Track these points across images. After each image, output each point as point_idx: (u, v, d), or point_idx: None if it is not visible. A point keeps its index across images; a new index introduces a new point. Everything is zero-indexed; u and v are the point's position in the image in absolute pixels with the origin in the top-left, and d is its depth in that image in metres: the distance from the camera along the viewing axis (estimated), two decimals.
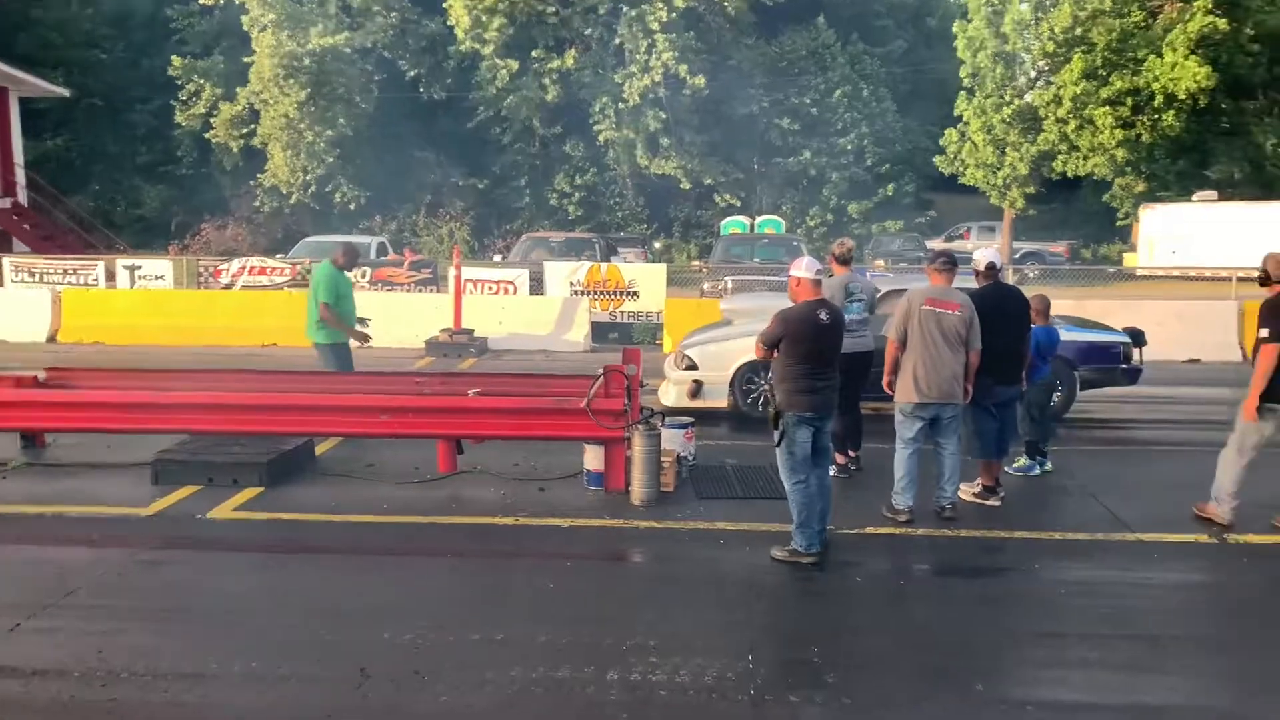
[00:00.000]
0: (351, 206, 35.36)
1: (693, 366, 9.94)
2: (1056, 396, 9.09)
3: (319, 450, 8.53)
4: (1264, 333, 6.44)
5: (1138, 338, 8.98)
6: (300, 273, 17.94)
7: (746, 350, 9.75)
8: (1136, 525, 6.86)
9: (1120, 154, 31.49)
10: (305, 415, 7.60)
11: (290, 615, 5.36)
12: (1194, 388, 12.41)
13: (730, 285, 16.77)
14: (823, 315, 6.05)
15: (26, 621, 5.22)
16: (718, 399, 9.84)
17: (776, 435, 6.08)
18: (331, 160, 34.00)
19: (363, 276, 17.24)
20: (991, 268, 7.37)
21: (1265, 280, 6.62)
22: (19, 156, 26.70)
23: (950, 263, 6.97)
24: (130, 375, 8.86)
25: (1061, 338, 8.58)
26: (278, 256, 20.72)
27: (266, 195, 35.04)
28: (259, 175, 34.71)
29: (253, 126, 34.58)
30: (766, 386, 9.66)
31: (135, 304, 16.91)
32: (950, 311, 6.73)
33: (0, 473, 7.91)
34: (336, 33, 33.38)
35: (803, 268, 6.15)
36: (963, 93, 33.89)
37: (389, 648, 4.97)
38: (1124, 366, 9.54)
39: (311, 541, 6.60)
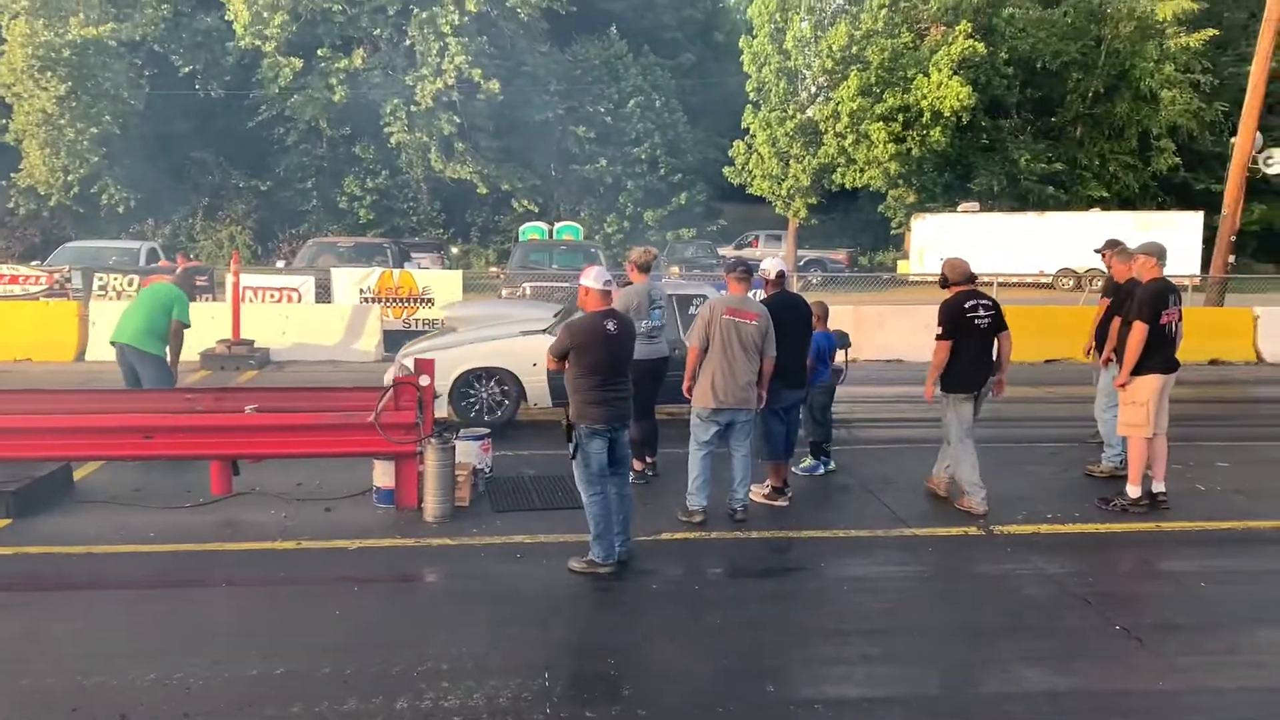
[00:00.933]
0: (120, 209, 32.95)
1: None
2: None
3: (77, 476, 7.83)
4: (938, 331, 7.31)
5: (843, 339, 9.43)
6: (58, 280, 16.49)
7: (466, 359, 9.81)
8: (912, 521, 7.23)
9: (893, 167, 33.50)
10: (60, 438, 6.93)
11: (40, 661, 4.85)
12: None
13: (529, 290, 16.66)
14: (610, 325, 6.04)
15: None
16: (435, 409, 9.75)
17: (571, 447, 6.03)
18: (97, 159, 31.58)
19: (130, 285, 16.02)
20: (780, 276, 7.61)
21: (945, 284, 7.48)
22: None
23: (748, 272, 7.15)
24: None
25: None
26: (33, 264, 19.01)
27: (22, 196, 32.17)
28: (13, 174, 31.80)
29: (4, 121, 31.66)
30: (485, 395, 9.70)
31: None
32: (749, 321, 6.89)
33: None
34: (100, 23, 31.02)
35: (591, 277, 6.13)
36: (749, 106, 35.14)
37: (156, 689, 4.59)
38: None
39: (67, 577, 6.01)
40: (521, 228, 30.56)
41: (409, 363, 9.66)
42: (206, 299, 16.07)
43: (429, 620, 5.50)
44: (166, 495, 7.44)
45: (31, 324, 14.84)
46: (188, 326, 9.11)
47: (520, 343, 9.92)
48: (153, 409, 7.44)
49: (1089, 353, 9.26)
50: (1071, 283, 31.08)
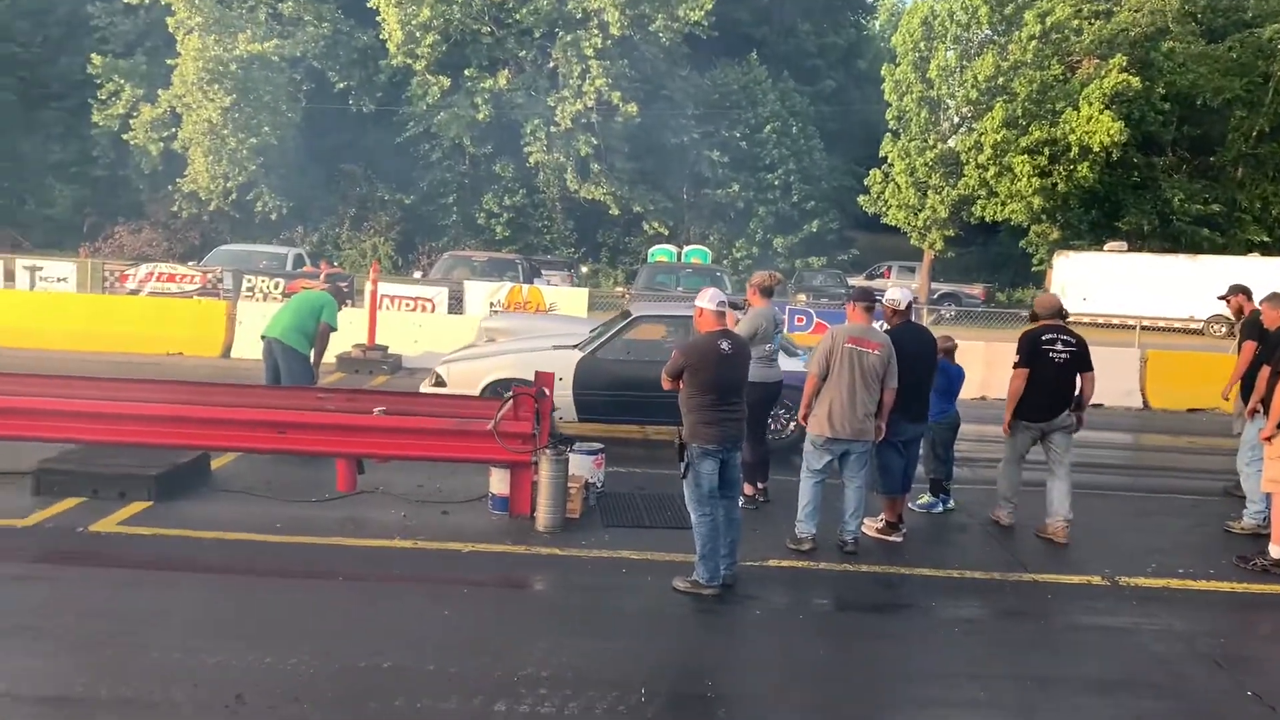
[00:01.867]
0: (273, 216, 34.68)
1: (441, 384, 9.84)
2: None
3: (215, 465, 8.25)
4: (1015, 359, 7.57)
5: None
6: (211, 280, 17.46)
7: (495, 369, 9.88)
8: (1033, 565, 6.97)
9: (1037, 201, 32.46)
10: (200, 429, 7.32)
11: (169, 637, 5.12)
12: (1095, 431, 12.72)
13: None
14: (724, 345, 6.04)
15: None
16: None
17: (682, 467, 6.04)
18: (254, 168, 33.32)
19: (276, 288, 16.84)
20: (908, 307, 7.48)
21: (1033, 318, 7.85)
22: None
23: (872, 301, 7.07)
24: (15, 379, 8.46)
25: (804, 371, 8.91)
26: (190, 264, 20.17)
27: (185, 200, 34.19)
28: (178, 180, 33.84)
29: (174, 130, 33.74)
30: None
31: (33, 306, 16.21)
32: (871, 351, 6.79)
33: None
34: (265, 40, 32.81)
35: (706, 299, 6.14)
36: (888, 134, 34.64)
37: (270, 673, 4.78)
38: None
39: (199, 560, 6.33)
40: (651, 250, 30.86)
41: (443, 371, 9.95)
42: (346, 305, 16.74)
43: (532, 627, 5.58)
44: (295, 489, 7.77)
45: (185, 320, 15.74)
46: (334, 330, 9.52)
47: (548, 356, 9.89)
48: (288, 405, 7.77)
49: (1227, 396, 8.79)
50: (1224, 329, 29.47)
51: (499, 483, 7.43)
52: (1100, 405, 14.39)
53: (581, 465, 7.69)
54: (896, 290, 7.55)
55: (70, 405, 7.34)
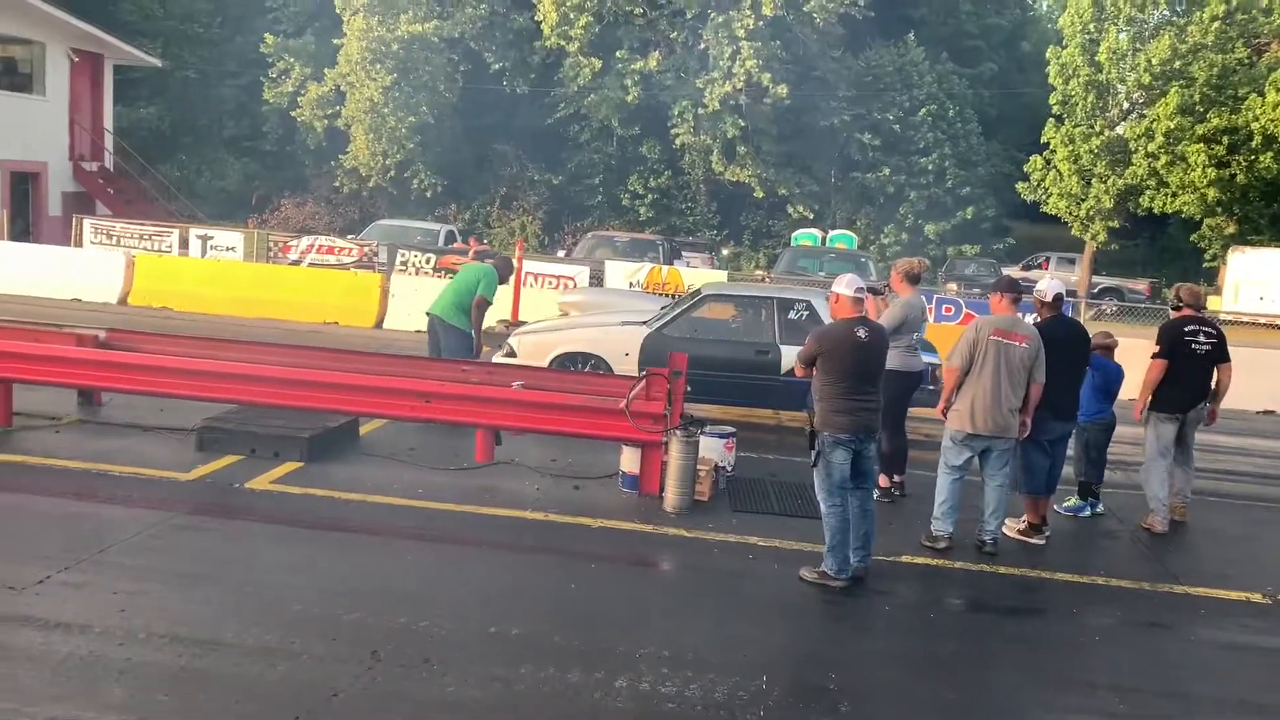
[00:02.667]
0: (428, 194, 35.77)
1: (512, 354, 9.94)
2: None
3: (363, 430, 8.60)
4: (1155, 350, 7.53)
5: None
6: (367, 254, 18.16)
7: (563, 342, 9.95)
8: (1185, 577, 6.59)
9: (1212, 193, 30.53)
10: (350, 394, 7.64)
11: (312, 591, 5.38)
12: (1266, 440, 11.94)
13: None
14: (861, 333, 5.90)
15: (56, 574, 5.32)
16: None
17: (813, 455, 5.95)
18: (412, 146, 34.41)
19: (428, 263, 17.40)
20: (1058, 299, 7.15)
21: (1176, 306, 7.76)
22: (109, 122, 27.46)
23: (1019, 292, 6.79)
24: (187, 342, 9.01)
25: None
26: (348, 237, 21.02)
27: (346, 176, 35.60)
28: (340, 156, 35.29)
29: (338, 108, 35.17)
30: None
31: (204, 273, 17.28)
32: (1018, 344, 6.53)
33: (53, 427, 8.10)
34: (425, 20, 33.79)
35: (843, 285, 6.01)
36: (1051, 120, 33.15)
37: (403, 633, 4.96)
38: (930, 388, 9.00)
39: (343, 520, 6.63)
40: (794, 234, 30.46)
41: (514, 343, 10.13)
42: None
43: (657, 606, 5.62)
44: (436, 457, 8.02)
45: (341, 291, 16.46)
46: (489, 304, 9.57)
47: (616, 331, 9.98)
48: (433, 376, 8.03)
49: None
50: None
51: (630, 461, 7.49)
52: (1272, 413, 13.50)
53: (712, 448, 7.67)
54: (1046, 281, 7.22)
55: (233, 368, 7.77)
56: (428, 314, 9.78)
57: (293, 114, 35.87)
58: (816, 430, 5.92)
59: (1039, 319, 7.10)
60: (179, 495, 6.76)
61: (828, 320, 9.68)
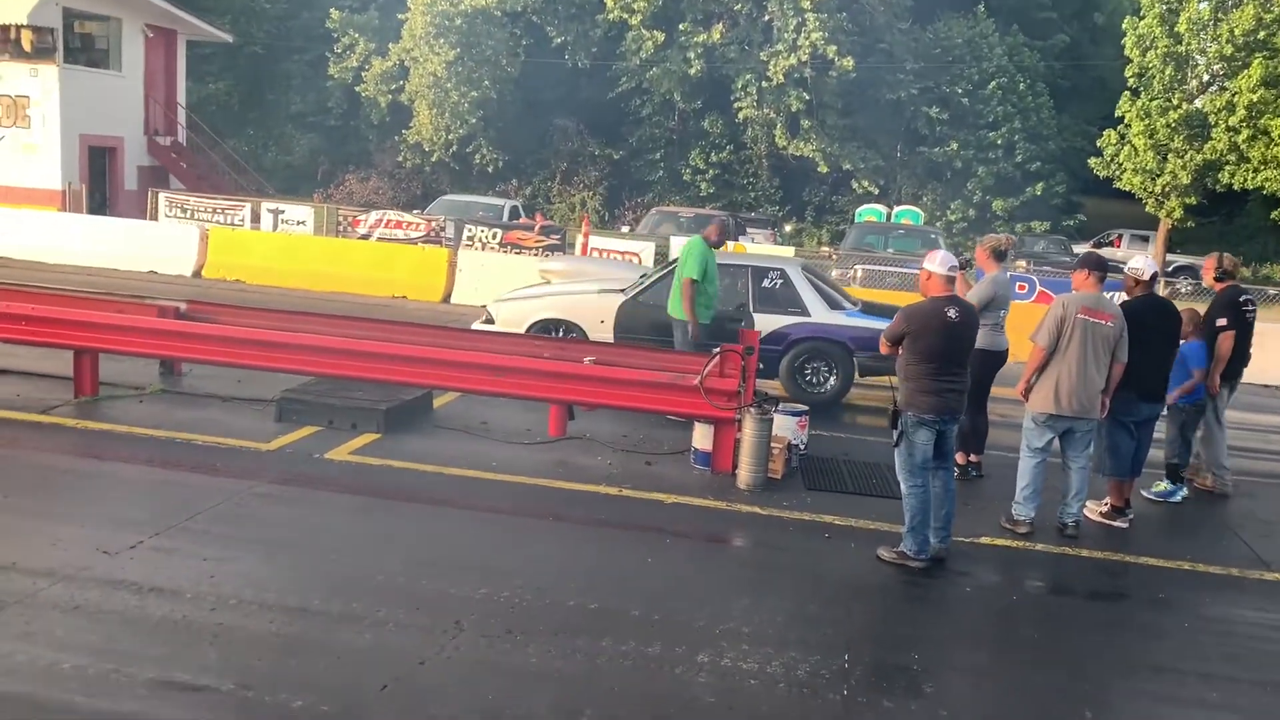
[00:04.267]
0: (490, 169, 35.94)
1: (490, 321, 9.93)
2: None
3: (437, 403, 8.68)
4: (1221, 322, 7.49)
5: None
6: (435, 229, 18.28)
7: (540, 309, 9.94)
8: (1277, 564, 6.40)
9: None
10: (425, 368, 7.71)
11: (394, 561, 5.45)
12: None
13: (860, 273, 16.36)
14: (951, 313, 5.78)
15: (149, 540, 5.45)
16: None
17: (895, 435, 5.87)
18: (474, 121, 34.55)
19: (494, 238, 17.48)
20: (1153, 277, 6.96)
21: (1222, 277, 7.77)
22: (182, 97, 27.95)
23: (1105, 269, 6.60)
24: (265, 314, 9.16)
25: (844, 324, 9.33)
26: (415, 212, 21.20)
27: (410, 151, 35.88)
28: (404, 131, 35.55)
29: (401, 83, 35.41)
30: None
31: (275, 247, 17.53)
32: (1105, 322, 6.37)
33: (137, 396, 8.30)
34: None
35: (937, 262, 5.89)
36: (1126, 93, 32.23)
37: (485, 603, 5.01)
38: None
39: (421, 491, 6.70)
40: (859, 209, 30.06)
41: (493, 310, 10.09)
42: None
43: (734, 583, 5.60)
44: (509, 431, 8.08)
45: (409, 266, 16.61)
46: (693, 279, 8.68)
47: (593, 298, 9.94)
48: (506, 351, 8.07)
49: None
50: None
51: (702, 438, 7.47)
52: None
53: (785, 426, 7.61)
54: (1141, 259, 7.03)
55: (309, 340, 7.88)
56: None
57: (357, 89, 36.20)
58: (900, 410, 5.83)
59: (1128, 297, 6.92)
60: (261, 465, 6.89)
61: (801, 289, 9.65)
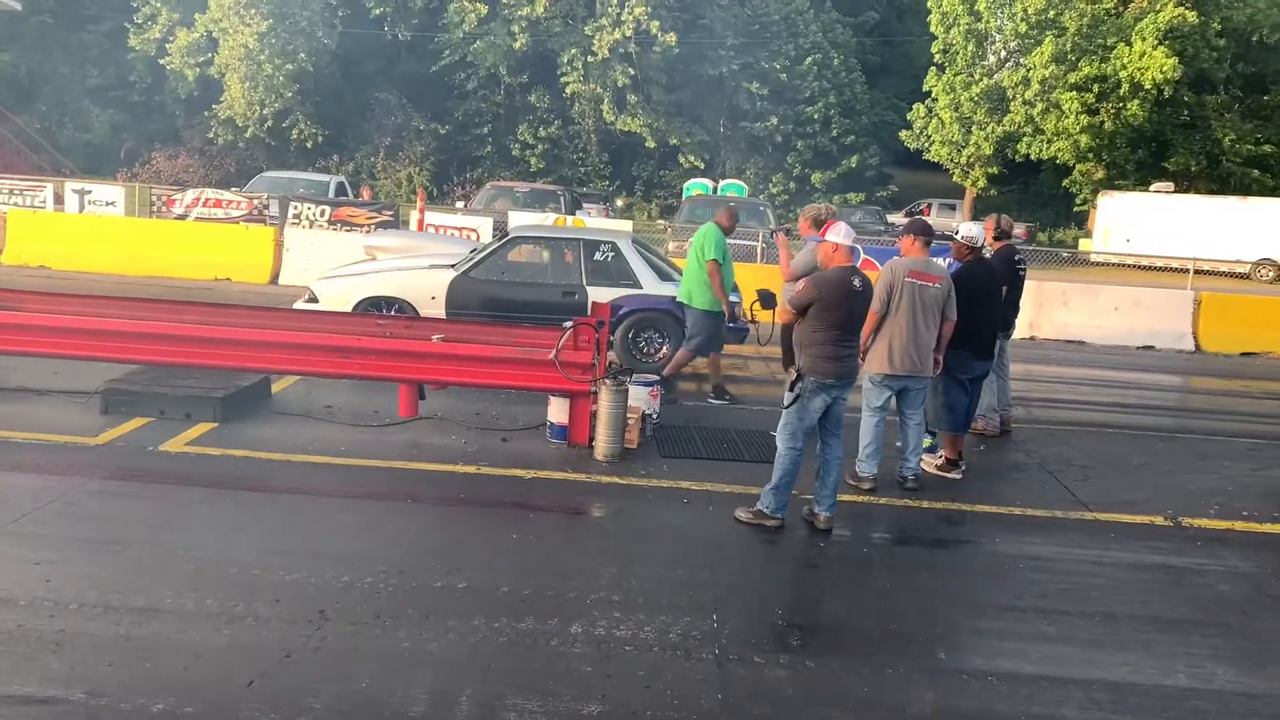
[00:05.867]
0: (309, 144, 34.60)
1: (314, 300, 9.78)
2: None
3: (275, 388, 8.34)
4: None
5: (767, 300, 9.00)
6: (257, 207, 17.48)
7: (367, 287, 9.83)
8: (1094, 505, 6.95)
9: (1084, 140, 31.83)
10: (264, 351, 7.38)
11: (246, 554, 5.22)
12: (1149, 374, 12.62)
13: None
14: (855, 282, 5.97)
15: None
16: None
17: (790, 397, 5.97)
18: (290, 95, 33.17)
19: (322, 215, 16.86)
20: (981, 245, 7.39)
21: (1000, 235, 8.20)
22: None
23: (930, 235, 6.94)
24: (81, 300, 8.55)
25: (675, 295, 9.32)
26: (234, 190, 20.19)
27: (222, 127, 34.15)
28: (214, 106, 33.77)
29: (210, 55, 33.59)
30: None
31: (84, 229, 16.32)
32: (932, 284, 6.72)
33: None
34: None
35: (840, 234, 6.02)
36: (933, 69, 33.95)
37: (349, 591, 4.86)
38: (730, 325, 9.48)
39: (267, 480, 6.43)
40: (686, 184, 30.58)
41: (317, 288, 9.89)
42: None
43: (600, 553, 5.63)
44: (355, 414, 7.85)
45: (231, 246, 15.81)
46: (716, 260, 8.63)
47: (423, 275, 9.86)
48: (350, 331, 7.81)
49: None
50: (1272, 274, 28.95)
51: (557, 411, 7.46)
52: (1152, 348, 14.25)
53: (639, 396, 7.69)
54: (973, 226, 7.45)
55: (137, 326, 7.41)
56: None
57: (161, 62, 34.12)
58: (803, 374, 5.94)
59: (959, 262, 7.32)
60: (90, 460, 6.45)
61: (633, 262, 9.83)
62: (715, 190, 28.57)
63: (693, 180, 31.03)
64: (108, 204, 17.55)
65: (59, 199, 17.72)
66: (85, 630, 4.33)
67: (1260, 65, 34.88)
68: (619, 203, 35.03)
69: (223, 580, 4.89)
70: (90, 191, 17.82)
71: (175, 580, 4.84)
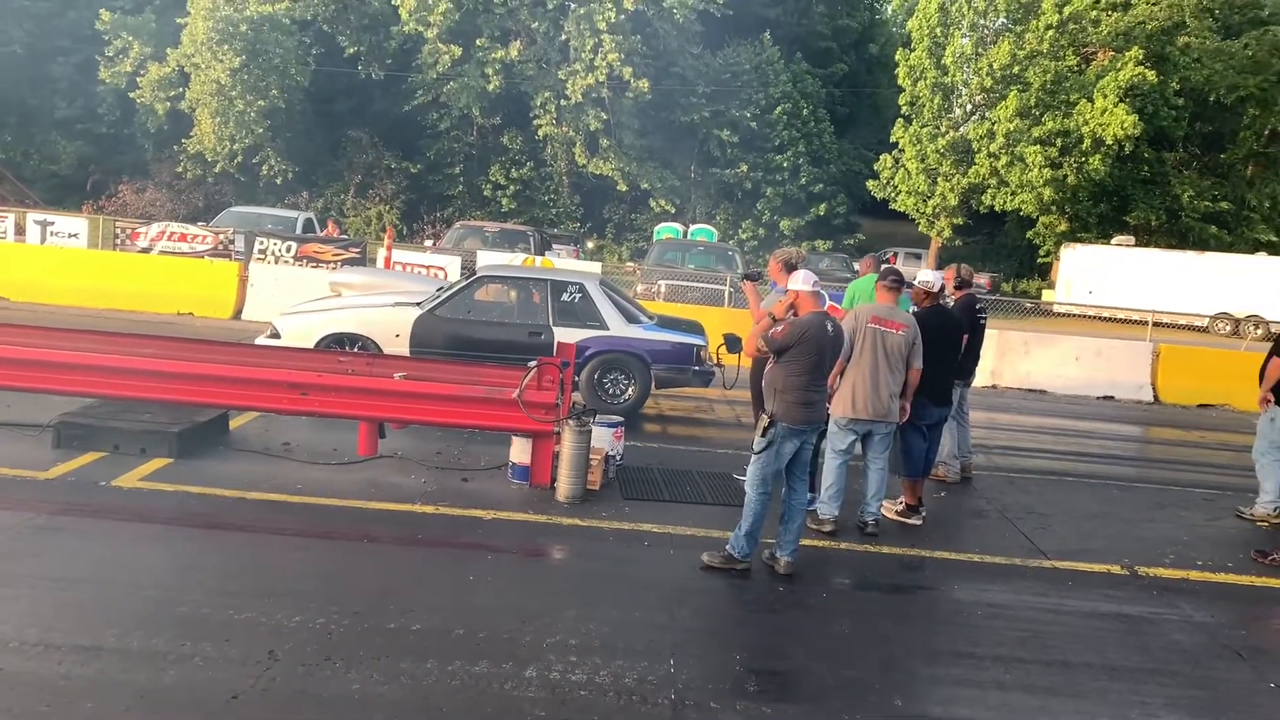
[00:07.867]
0: (279, 180, 34.52)
1: (276, 335, 9.73)
2: None
3: (233, 424, 8.23)
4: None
5: (733, 344, 9.13)
6: (222, 242, 17.36)
7: (330, 323, 9.76)
8: (1052, 553, 6.98)
9: (1047, 193, 32.42)
10: (222, 387, 7.28)
11: (196, 592, 5.11)
12: (1108, 424, 12.76)
13: (664, 288, 16.72)
14: (829, 327, 5.99)
15: None
16: None
17: (762, 443, 5.94)
18: (261, 131, 33.13)
19: (288, 251, 16.77)
20: (940, 290, 7.48)
21: (961, 285, 8.42)
22: None
23: (898, 281, 7.01)
24: (35, 332, 8.42)
25: (641, 337, 9.68)
26: (199, 224, 20.06)
27: (191, 161, 34.00)
28: (184, 140, 33.64)
29: (181, 90, 33.51)
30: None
31: (44, 261, 16.11)
32: (895, 331, 6.77)
33: None
34: (275, 1, 32.54)
35: (803, 282, 6.03)
36: (900, 120, 34.52)
37: (300, 631, 4.78)
38: (695, 368, 9.74)
39: (221, 518, 6.32)
40: (657, 228, 30.78)
41: (279, 324, 9.81)
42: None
43: (558, 596, 5.57)
44: (314, 451, 7.76)
45: (195, 281, 15.68)
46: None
47: (388, 312, 9.86)
48: (310, 368, 7.74)
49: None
50: (1228, 328, 29.49)
51: (520, 452, 7.41)
52: (1112, 398, 14.42)
53: (601, 437, 7.67)
54: (929, 273, 7.53)
55: (93, 359, 7.29)
56: None
57: (131, 95, 33.99)
58: (775, 420, 5.93)
59: (917, 308, 7.39)
60: (39, 495, 6.31)
61: (599, 303, 9.85)
62: (685, 234, 28.76)
63: (663, 224, 31.24)
64: (70, 236, 17.35)
65: (20, 230, 17.51)
66: (24, 669, 4.22)
67: (1217, 124, 35.83)
68: (590, 244, 35.17)
69: (171, 619, 4.79)
70: (53, 223, 17.62)
71: (121, 619, 4.74)
